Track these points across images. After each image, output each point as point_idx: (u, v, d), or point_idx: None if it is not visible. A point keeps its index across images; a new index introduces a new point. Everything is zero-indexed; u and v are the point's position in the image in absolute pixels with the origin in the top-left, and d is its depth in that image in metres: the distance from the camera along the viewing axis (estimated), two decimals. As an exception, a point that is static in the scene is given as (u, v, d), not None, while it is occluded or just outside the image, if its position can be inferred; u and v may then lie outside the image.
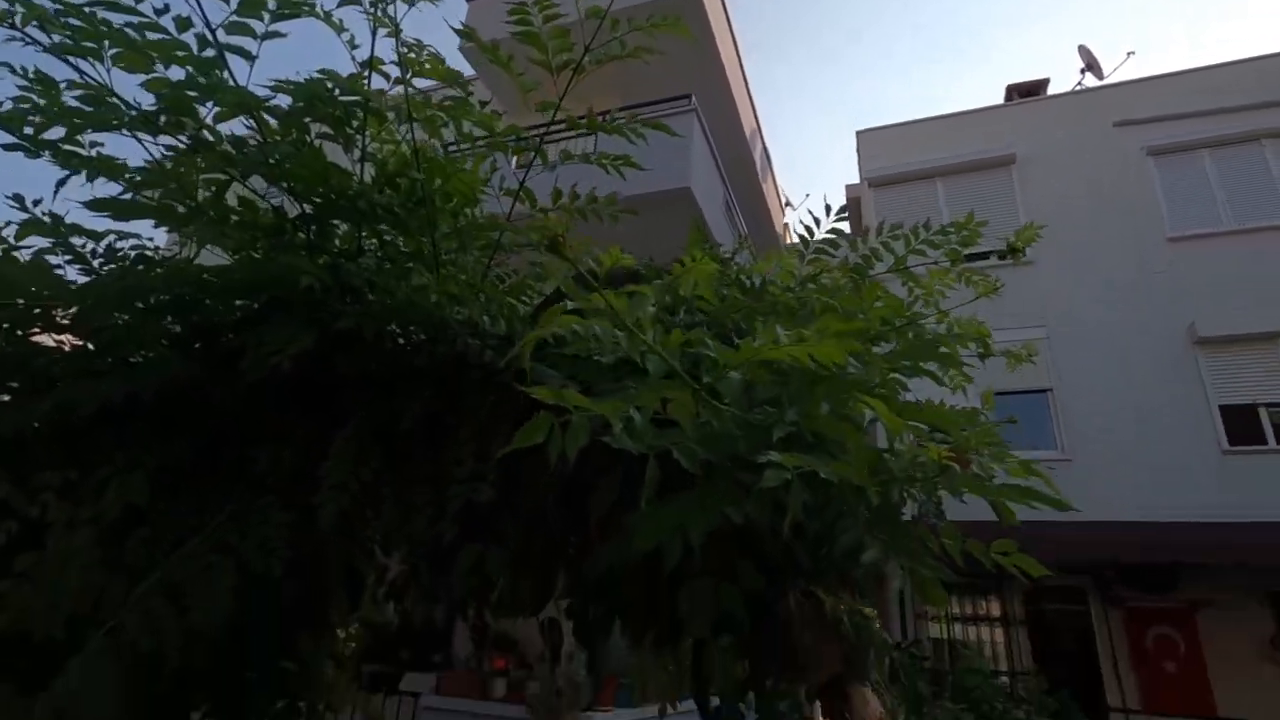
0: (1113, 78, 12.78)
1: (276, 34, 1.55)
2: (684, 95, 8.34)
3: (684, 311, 1.65)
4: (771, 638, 1.40)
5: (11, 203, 1.74)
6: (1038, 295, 10.54)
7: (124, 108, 1.53)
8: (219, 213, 1.63)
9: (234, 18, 1.48)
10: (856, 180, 13.04)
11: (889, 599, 8.77)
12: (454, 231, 1.66)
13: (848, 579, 1.41)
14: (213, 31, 1.50)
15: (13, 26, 1.48)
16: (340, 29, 1.62)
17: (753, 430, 0.97)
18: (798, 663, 1.29)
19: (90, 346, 1.89)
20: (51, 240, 1.82)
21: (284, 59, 1.80)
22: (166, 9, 1.49)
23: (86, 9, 1.45)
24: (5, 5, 1.46)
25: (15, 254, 1.78)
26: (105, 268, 1.91)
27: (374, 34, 1.59)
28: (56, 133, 1.67)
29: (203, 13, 1.49)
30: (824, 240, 1.70)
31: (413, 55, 1.61)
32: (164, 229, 1.93)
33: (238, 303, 1.90)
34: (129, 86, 1.60)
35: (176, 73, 1.55)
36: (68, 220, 1.81)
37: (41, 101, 1.54)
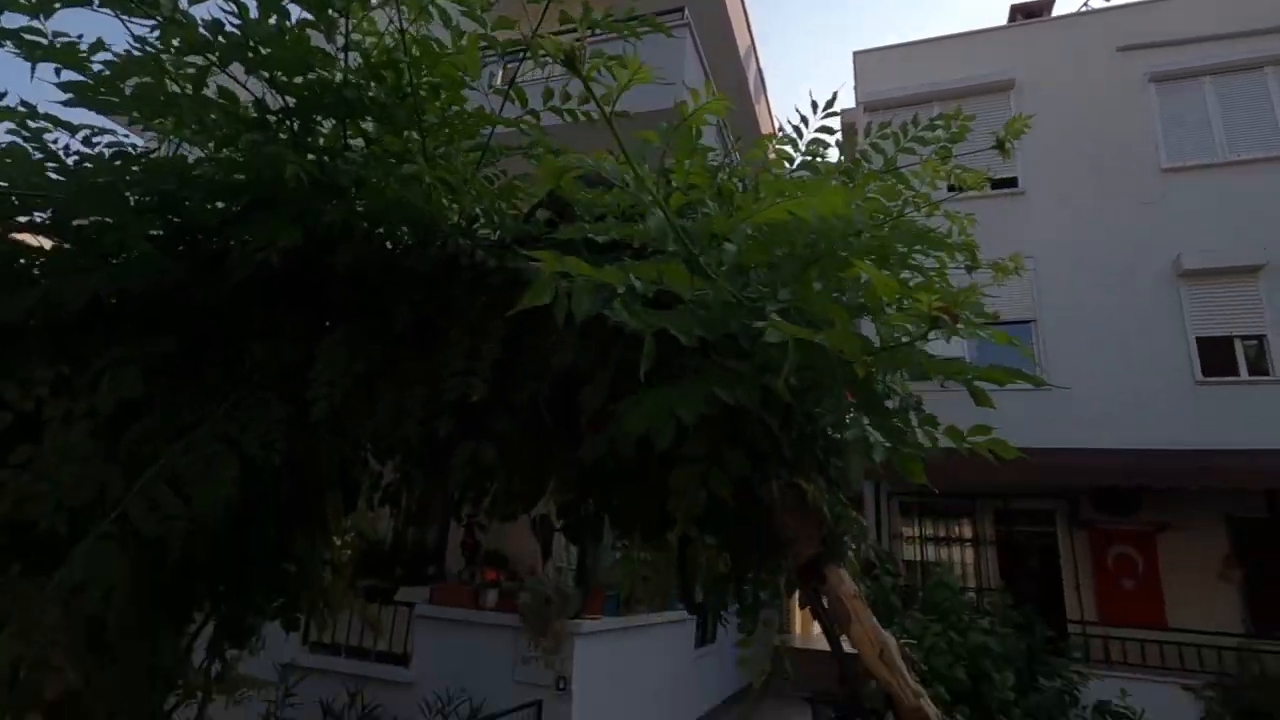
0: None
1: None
2: (676, 9, 7.99)
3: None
4: (755, 526, 1.47)
5: (-21, 92, 1.67)
6: (1027, 226, 10.52)
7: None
8: (198, 102, 1.58)
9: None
10: (852, 105, 12.70)
11: (864, 523, 9.12)
12: (442, 122, 1.63)
13: (827, 471, 1.47)
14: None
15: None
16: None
17: (745, 310, 0.99)
18: (779, 546, 1.36)
19: (70, 248, 1.86)
20: (23, 136, 1.76)
21: (258, -60, 1.70)
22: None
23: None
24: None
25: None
26: (82, 166, 1.86)
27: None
28: (18, 21, 1.59)
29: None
30: (813, 140, 1.67)
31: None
32: (140, 129, 1.88)
33: (220, 205, 1.87)
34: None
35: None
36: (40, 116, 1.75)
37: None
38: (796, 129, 1.67)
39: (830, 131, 1.67)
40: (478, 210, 1.59)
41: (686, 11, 7.95)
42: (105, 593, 1.41)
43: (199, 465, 1.47)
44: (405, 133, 1.66)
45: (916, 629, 6.68)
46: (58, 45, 1.58)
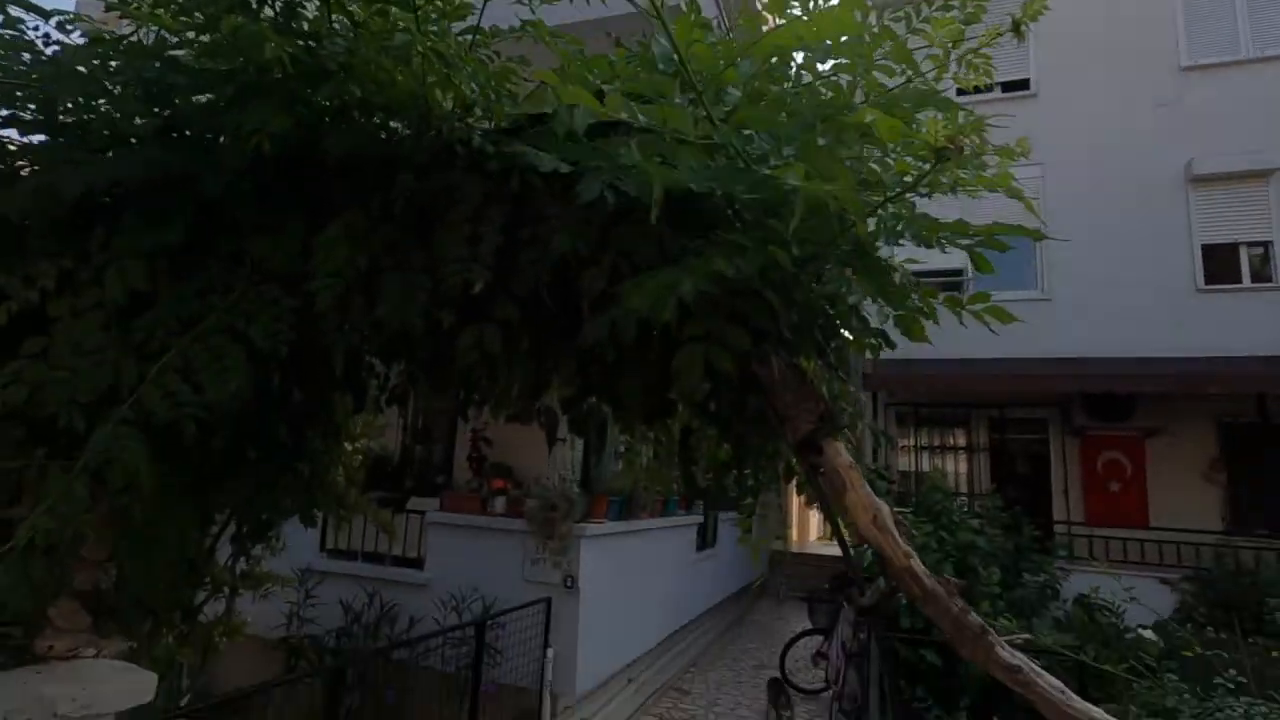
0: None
1: None
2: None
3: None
4: (755, 408, 1.51)
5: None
6: (1038, 130, 10.19)
7: None
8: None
9: None
10: None
11: (861, 435, 9.34)
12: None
13: (826, 354, 1.50)
14: None
15: None
16: None
17: (748, 171, 0.98)
18: (779, 424, 1.40)
19: (60, 141, 1.82)
20: (-3, 24, 1.69)
21: None
22: None
23: None
24: None
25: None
26: (59, 56, 1.79)
27: None
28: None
29: None
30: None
31: None
32: (117, 15, 1.80)
33: (208, 97, 1.82)
34: None
35: None
36: None
37: None
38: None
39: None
40: (473, 92, 1.54)
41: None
42: (128, 474, 1.46)
43: (208, 356, 1.50)
44: (392, 12, 1.59)
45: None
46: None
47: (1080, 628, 5.98)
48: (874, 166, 1.07)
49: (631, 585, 6.79)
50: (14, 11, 1.74)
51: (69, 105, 1.77)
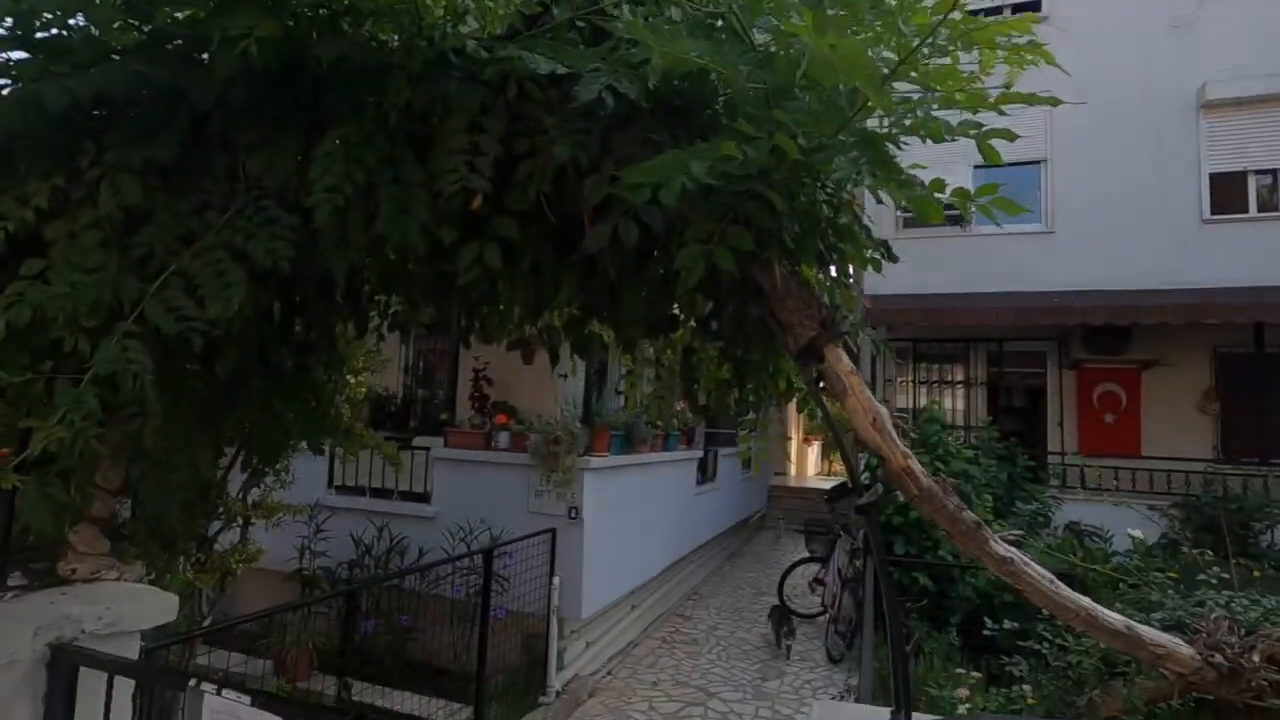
0: None
1: None
2: None
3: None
4: (757, 319, 1.52)
5: None
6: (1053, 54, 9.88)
7: None
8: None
9: None
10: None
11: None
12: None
13: (829, 261, 1.50)
14: None
15: None
16: None
17: (750, 50, 0.96)
18: (780, 330, 1.41)
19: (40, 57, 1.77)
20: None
21: None
22: None
23: None
24: None
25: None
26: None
27: None
28: None
29: None
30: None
31: None
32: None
33: (189, 12, 1.75)
34: None
35: None
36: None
37: None
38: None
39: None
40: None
41: None
42: (135, 390, 1.48)
43: (209, 272, 1.49)
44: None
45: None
46: None
47: (1070, 552, 6.17)
48: (888, 54, 1.04)
49: (634, 517, 6.97)
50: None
51: (47, 18, 1.71)
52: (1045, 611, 1.88)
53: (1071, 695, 1.67)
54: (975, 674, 3.15)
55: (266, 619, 5.33)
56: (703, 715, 5.49)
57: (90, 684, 1.97)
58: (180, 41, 1.73)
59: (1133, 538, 1.69)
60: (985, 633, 3.59)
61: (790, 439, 17.07)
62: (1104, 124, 9.78)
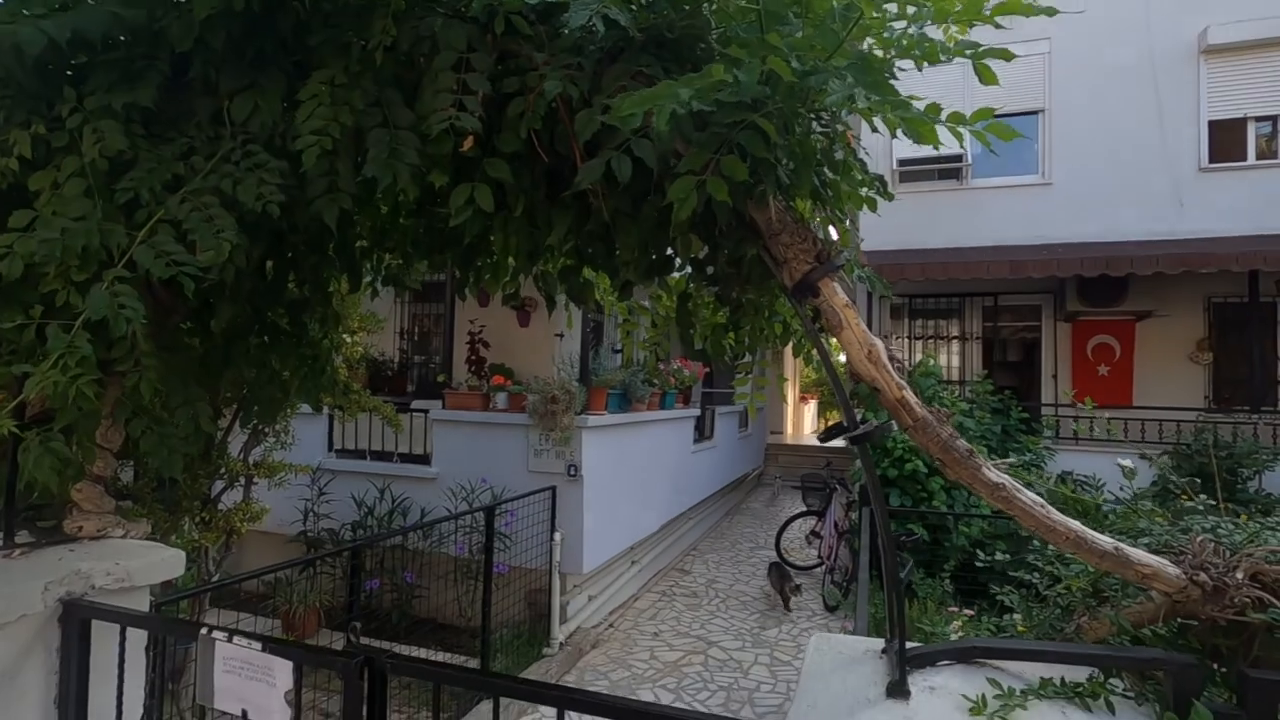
0: None
1: None
2: None
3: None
4: (754, 257, 1.52)
5: None
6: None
7: None
8: None
9: None
10: None
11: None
12: None
13: (823, 196, 1.49)
14: None
15: None
16: None
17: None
18: (776, 267, 1.41)
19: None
20: None
21: None
22: None
23: None
24: None
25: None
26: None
27: None
28: None
29: None
30: None
31: None
32: None
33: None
34: None
35: None
36: None
37: None
38: None
39: None
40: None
41: None
42: (129, 337, 1.48)
43: (198, 217, 1.48)
44: None
45: (900, 414, 7.14)
46: None
47: (1063, 500, 6.28)
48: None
49: (632, 474, 7.04)
50: None
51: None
52: (1036, 542, 1.92)
53: (1060, 623, 1.72)
54: (967, 611, 3.24)
55: (273, 579, 5.44)
56: (703, 663, 5.64)
57: (103, 638, 2.01)
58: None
59: (1122, 467, 1.72)
60: (978, 564, 3.67)
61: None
62: (1103, 72, 9.64)
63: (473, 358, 7.30)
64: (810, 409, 22.58)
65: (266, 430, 3.68)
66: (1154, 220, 9.25)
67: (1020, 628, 1.93)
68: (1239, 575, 1.28)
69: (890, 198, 1.65)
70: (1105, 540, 1.31)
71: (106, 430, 2.17)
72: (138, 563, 2.16)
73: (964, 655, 1.39)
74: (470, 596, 5.79)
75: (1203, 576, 1.28)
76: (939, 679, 1.37)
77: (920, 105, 1.19)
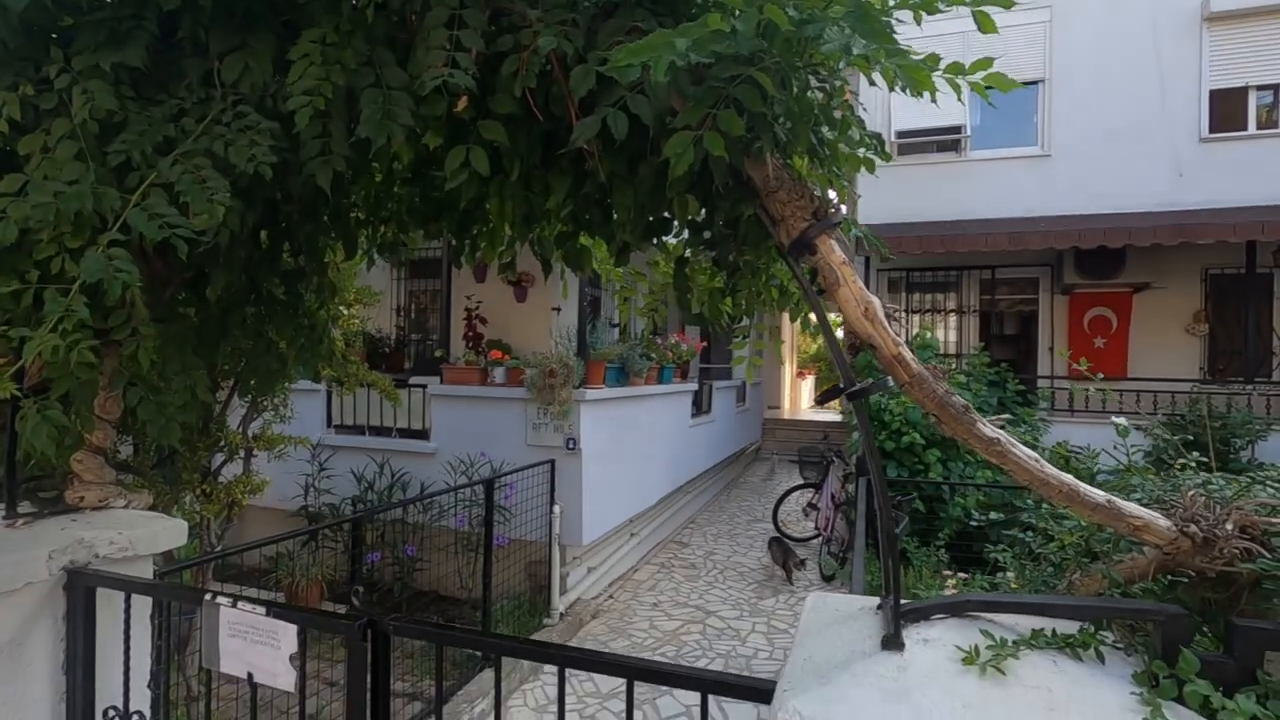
0: None
1: None
2: None
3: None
4: (751, 217, 1.51)
5: None
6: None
7: None
8: None
9: None
10: None
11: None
12: None
13: (820, 153, 1.48)
14: None
15: None
16: None
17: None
18: (772, 224, 1.41)
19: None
20: None
21: None
22: None
23: None
24: None
25: None
26: None
27: None
28: None
29: None
30: None
31: None
32: None
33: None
34: None
35: None
36: None
37: None
38: None
39: None
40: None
41: None
42: (126, 302, 1.48)
43: (191, 178, 1.47)
44: None
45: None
46: None
47: (1058, 465, 6.33)
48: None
49: (630, 448, 7.08)
50: None
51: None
52: (1030, 500, 1.94)
53: (1053, 581, 1.75)
54: (962, 575, 3.29)
55: (275, 554, 5.48)
56: (701, 632, 5.73)
57: (109, 605, 2.03)
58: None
59: (1116, 424, 1.74)
60: (972, 525, 3.71)
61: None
62: (1104, 41, 9.54)
63: (470, 334, 7.30)
64: (808, 384, 22.65)
65: (265, 403, 3.68)
66: (1153, 192, 9.21)
67: (1013, 585, 1.97)
68: (1229, 527, 1.29)
69: (888, 158, 1.64)
70: (1098, 493, 1.32)
71: (105, 401, 2.17)
72: (140, 532, 2.18)
73: (957, 609, 1.42)
74: (471, 568, 5.85)
75: (1193, 528, 1.30)
76: (933, 632, 1.39)
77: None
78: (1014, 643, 1.31)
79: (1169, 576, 1.50)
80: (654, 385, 7.61)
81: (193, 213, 1.45)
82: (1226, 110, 9.26)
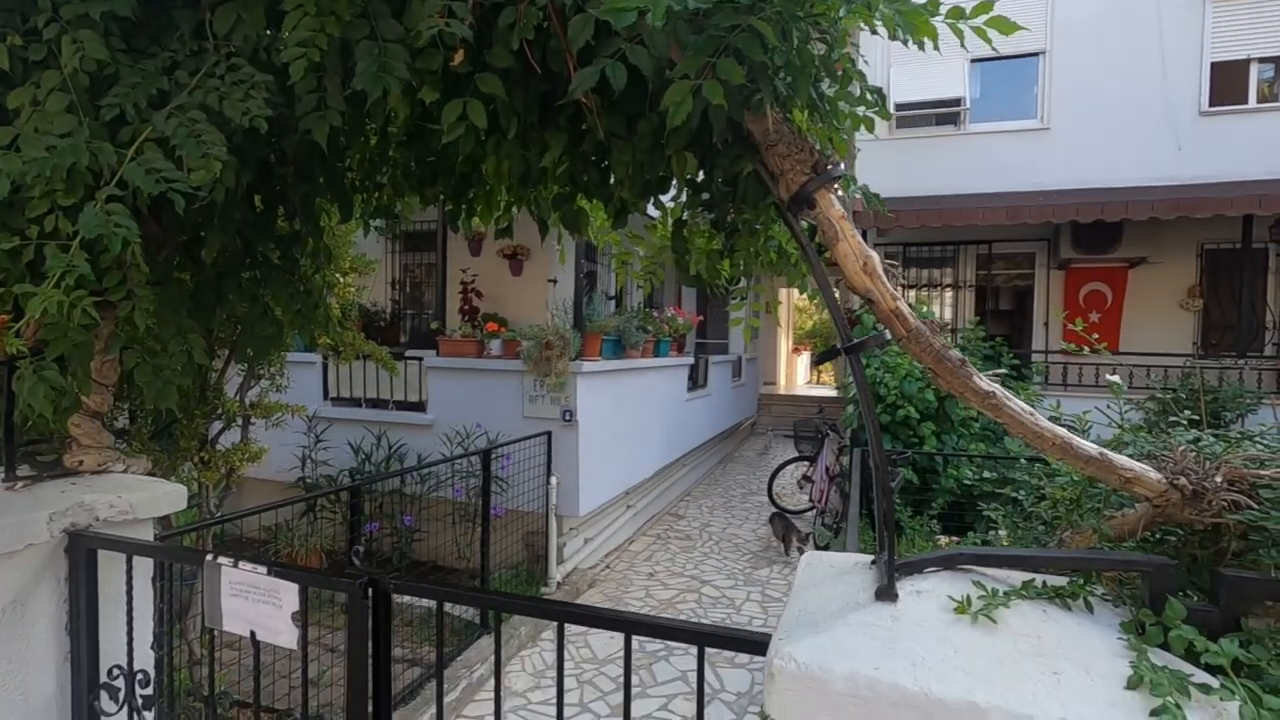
0: None
1: None
2: None
3: None
4: (750, 172, 1.51)
5: None
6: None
7: None
8: None
9: None
10: None
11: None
12: None
13: (820, 108, 1.47)
14: None
15: None
16: None
17: None
18: (771, 180, 1.40)
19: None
20: None
21: None
22: None
23: None
24: None
25: None
26: None
27: None
28: None
29: None
30: None
31: None
32: None
33: None
34: None
35: None
36: None
37: None
38: None
39: None
40: None
41: None
42: (124, 259, 1.46)
43: (186, 132, 1.45)
44: None
45: (892, 359, 7.21)
46: None
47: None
48: None
49: (627, 420, 7.11)
50: None
51: None
52: (1023, 461, 1.96)
53: (1045, 538, 1.78)
54: (954, 538, 3.34)
55: (274, 525, 5.52)
56: (697, 600, 5.81)
57: (110, 568, 2.05)
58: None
59: (1110, 383, 1.75)
60: (966, 482, 3.75)
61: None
62: (1106, 11, 9.42)
63: (466, 307, 7.28)
64: (803, 360, 22.72)
65: (262, 370, 3.68)
66: (1151, 165, 9.18)
67: (1006, 543, 2.00)
68: (1218, 479, 1.31)
69: (888, 116, 1.64)
70: (1090, 446, 1.34)
71: (101, 365, 2.17)
72: (140, 495, 2.19)
73: (950, 562, 1.44)
74: (469, 538, 5.90)
75: (1183, 480, 1.32)
76: (926, 584, 1.42)
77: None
78: (1005, 593, 1.33)
79: (1158, 535, 1.52)
80: (650, 358, 7.62)
81: (189, 168, 1.44)
82: (1227, 83, 9.20)
